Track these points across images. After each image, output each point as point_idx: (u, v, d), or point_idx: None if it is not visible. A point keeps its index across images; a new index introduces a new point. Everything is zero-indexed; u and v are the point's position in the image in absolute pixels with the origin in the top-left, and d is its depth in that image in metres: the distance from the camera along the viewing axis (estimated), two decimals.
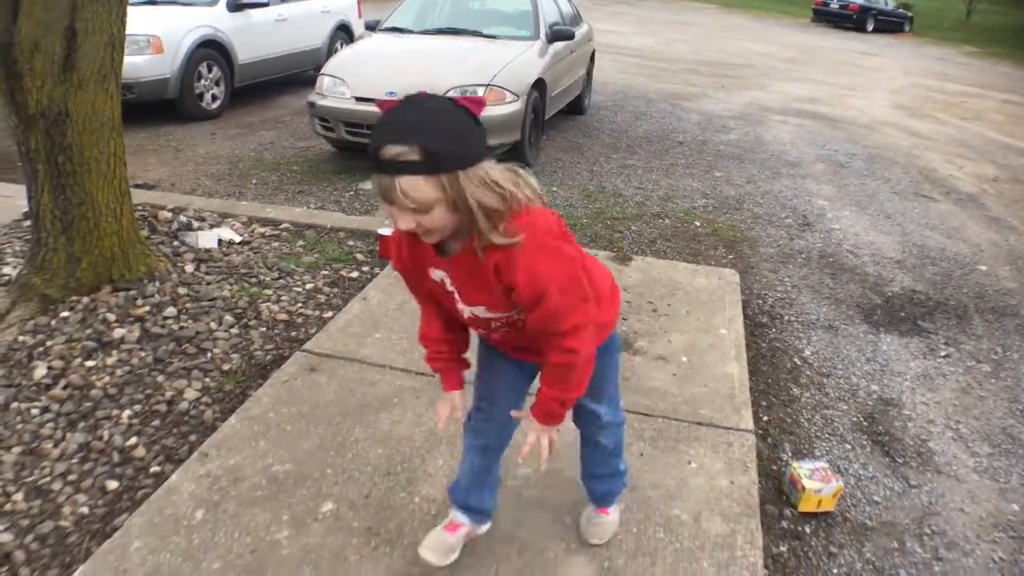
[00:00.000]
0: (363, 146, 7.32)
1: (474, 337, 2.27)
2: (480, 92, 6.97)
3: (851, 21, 31.04)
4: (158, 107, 8.95)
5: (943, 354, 4.66)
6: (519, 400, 2.36)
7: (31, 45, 3.68)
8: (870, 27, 30.87)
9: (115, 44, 3.94)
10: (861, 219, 7.04)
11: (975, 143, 11.07)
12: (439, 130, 1.60)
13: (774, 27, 29.27)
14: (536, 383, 2.13)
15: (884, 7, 31.87)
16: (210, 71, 9.46)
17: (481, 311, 1.96)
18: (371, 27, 8.98)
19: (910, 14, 32.75)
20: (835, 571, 2.93)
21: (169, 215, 5.25)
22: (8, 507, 2.90)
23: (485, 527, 2.68)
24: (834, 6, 31.80)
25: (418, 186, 1.60)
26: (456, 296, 1.97)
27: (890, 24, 31.63)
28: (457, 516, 2.59)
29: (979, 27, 34.09)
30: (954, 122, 12.57)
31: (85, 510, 2.92)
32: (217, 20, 9.59)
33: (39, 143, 3.89)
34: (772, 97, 13.35)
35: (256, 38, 10.23)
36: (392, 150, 1.57)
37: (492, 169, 1.68)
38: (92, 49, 3.83)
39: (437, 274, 1.95)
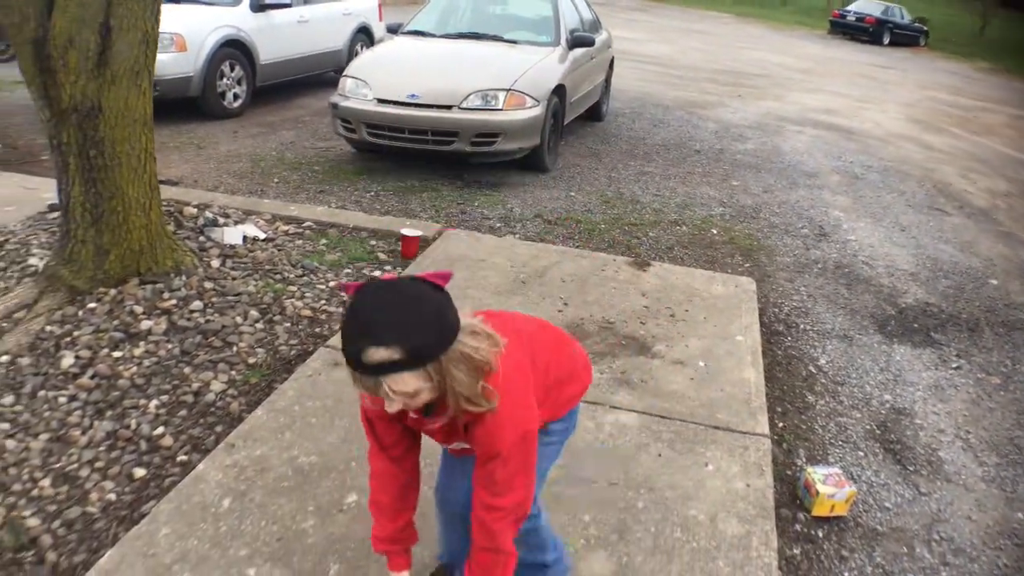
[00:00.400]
0: (384, 147, 7.42)
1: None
2: (501, 96, 7.05)
3: (867, 34, 31.02)
4: (180, 105, 9.05)
5: (954, 366, 4.71)
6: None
7: (65, 40, 3.76)
8: (886, 40, 30.84)
9: (148, 41, 4.02)
10: (876, 231, 7.09)
11: (988, 158, 11.11)
12: (416, 324, 1.56)
13: (790, 38, 29.29)
14: None
15: (900, 21, 31.83)
16: (232, 70, 9.54)
17: (456, 446, 2.01)
18: (393, 30, 9.06)
19: (926, 28, 32.72)
20: (846, 574, 2.99)
21: (194, 211, 5.33)
22: (35, 492, 2.97)
23: None
24: (851, 19, 31.80)
25: (404, 380, 1.58)
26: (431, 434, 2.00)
27: (906, 38, 31.60)
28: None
29: (993, 43, 34.04)
30: (968, 136, 12.61)
31: (112, 496, 2.99)
32: (240, 20, 9.68)
33: (71, 137, 3.97)
34: (788, 107, 13.40)
35: (278, 38, 10.31)
36: (374, 355, 1.53)
37: (466, 337, 1.63)
38: (126, 46, 3.91)
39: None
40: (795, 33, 31.95)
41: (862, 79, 18.98)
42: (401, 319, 1.55)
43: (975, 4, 40.09)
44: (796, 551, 3.06)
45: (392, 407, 1.65)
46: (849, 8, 33.18)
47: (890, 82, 19.09)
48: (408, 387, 1.59)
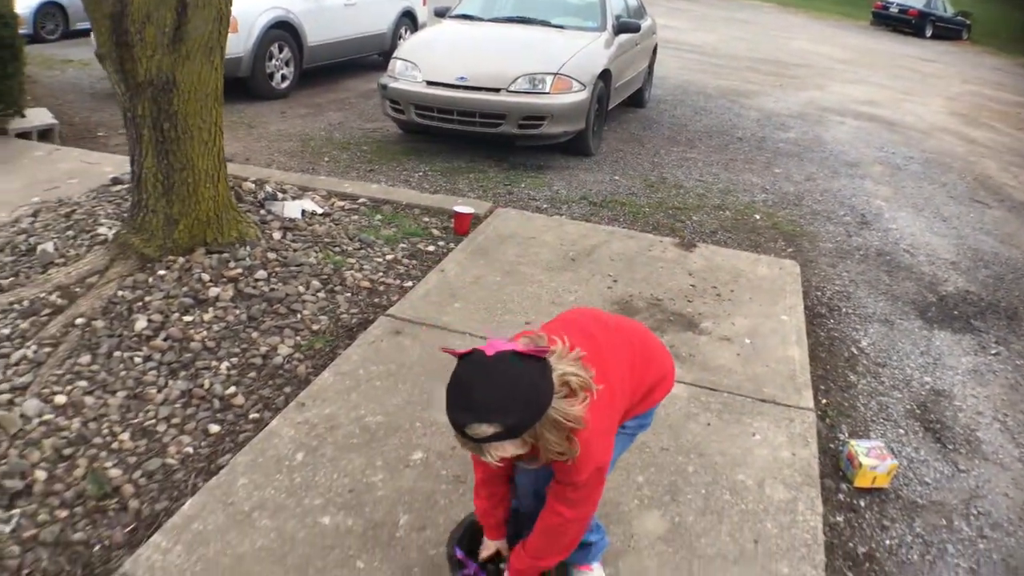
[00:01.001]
0: (433, 129, 7.56)
1: None
2: (548, 80, 7.17)
3: (910, 26, 30.68)
4: (230, 85, 9.21)
5: (993, 352, 4.80)
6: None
7: (143, 16, 3.93)
8: (928, 33, 30.49)
9: (222, 19, 4.20)
10: (918, 220, 7.14)
11: None
12: (516, 403, 1.73)
13: (833, 28, 29.05)
14: None
15: (943, 14, 31.44)
16: (281, 51, 9.73)
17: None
18: (441, 14, 9.20)
19: (968, 22, 32.29)
20: (887, 542, 3.11)
21: (252, 186, 5.52)
22: (116, 446, 3.15)
23: None
24: (893, 10, 31.44)
25: (504, 448, 1.77)
26: None
27: (948, 31, 31.22)
28: None
29: None
30: (1010, 131, 12.53)
31: (190, 450, 3.18)
32: (289, 2, 9.84)
33: (145, 110, 4.15)
34: (830, 97, 13.39)
35: (325, 21, 10.48)
36: (478, 430, 1.72)
37: (559, 403, 1.77)
38: (201, 22, 4.08)
39: None
40: (837, 23, 31.67)
41: (904, 71, 18.85)
42: (501, 400, 1.73)
43: None
44: (839, 519, 3.18)
45: (492, 462, 1.84)
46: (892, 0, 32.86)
47: (932, 75, 18.94)
48: (507, 453, 1.79)
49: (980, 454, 3.76)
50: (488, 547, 2.42)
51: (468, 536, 2.47)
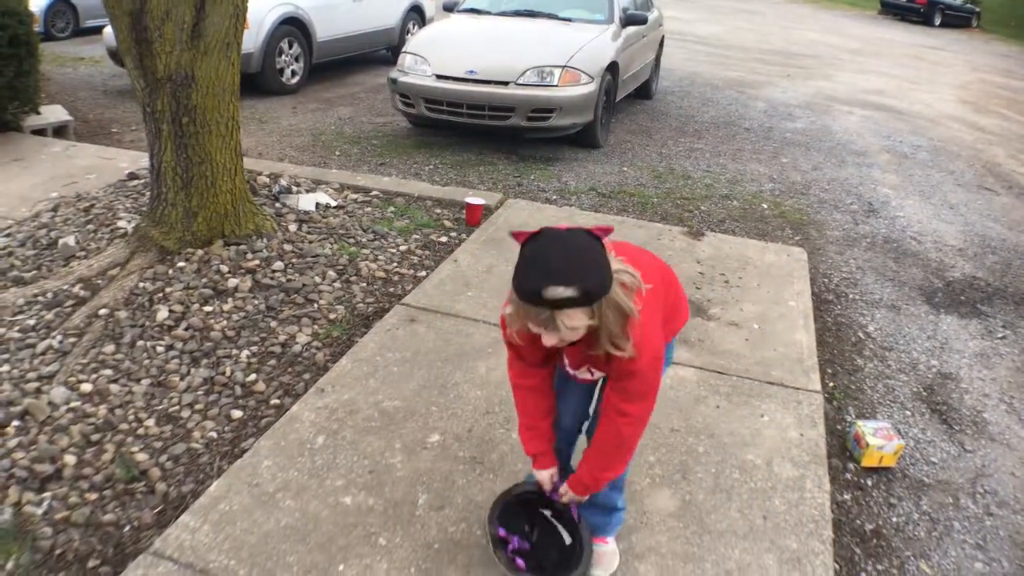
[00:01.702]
0: (443, 122, 7.64)
1: None
2: (557, 73, 7.24)
3: (918, 15, 30.61)
4: (241, 80, 9.28)
5: (1000, 335, 4.86)
6: (585, 409, 2.62)
7: (162, 13, 4.02)
8: (937, 21, 30.41)
9: (239, 15, 4.28)
10: (925, 208, 7.20)
11: None
12: (591, 270, 1.84)
13: (840, 18, 29.01)
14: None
15: (952, 1, 31.36)
16: (291, 47, 9.83)
17: (583, 373, 2.30)
18: (449, 8, 9.28)
19: (978, 9, 32.16)
20: (894, 520, 3.18)
21: (267, 180, 5.61)
22: (141, 431, 3.25)
23: None
24: None
25: (575, 316, 1.85)
26: (564, 358, 2.31)
27: (957, 19, 31.12)
28: None
29: None
30: (1019, 119, 12.53)
31: (213, 435, 3.27)
32: None
33: (165, 104, 4.24)
34: (838, 87, 13.41)
35: (334, 17, 10.58)
36: (555, 292, 1.79)
37: (618, 287, 1.89)
38: (219, 19, 4.17)
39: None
40: (845, 13, 31.60)
41: (912, 60, 18.85)
42: (577, 264, 1.83)
43: None
44: (847, 496, 3.26)
45: (550, 340, 1.94)
46: None
47: (941, 63, 18.92)
48: (577, 322, 1.86)
49: (986, 435, 3.83)
50: (543, 479, 2.48)
51: (505, 514, 2.54)
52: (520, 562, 2.45)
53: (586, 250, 1.87)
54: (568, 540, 2.52)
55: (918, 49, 21.65)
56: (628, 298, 1.90)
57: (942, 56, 20.61)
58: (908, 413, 3.92)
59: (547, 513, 2.58)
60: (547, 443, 2.46)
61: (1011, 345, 4.75)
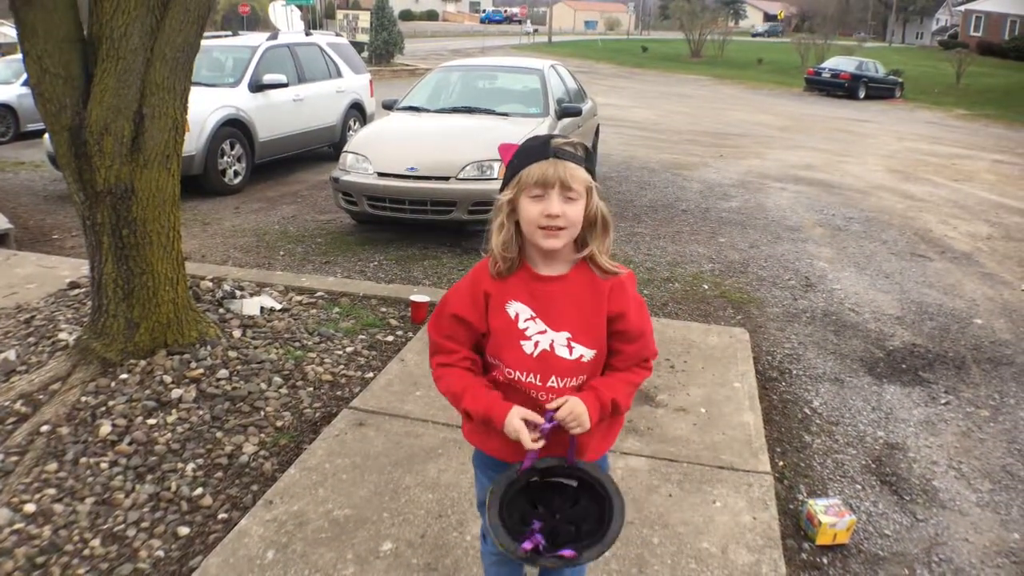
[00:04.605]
0: (386, 219, 7.70)
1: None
2: (496, 166, 7.38)
3: (843, 89, 31.79)
4: (183, 182, 9.27)
5: (943, 401, 4.95)
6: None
7: (101, 128, 4.05)
8: (862, 94, 31.60)
9: (177, 127, 4.33)
10: (861, 279, 7.38)
11: (968, 203, 11.46)
12: (587, 149, 2.09)
13: (768, 97, 30.04)
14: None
15: (875, 74, 32.64)
16: (232, 148, 9.91)
17: (562, 339, 2.06)
18: (388, 106, 9.45)
19: (900, 80, 33.51)
20: None
21: (210, 284, 5.59)
22: (87, 552, 3.15)
23: None
24: (826, 75, 32.63)
25: (578, 173, 1.98)
26: (529, 330, 2.06)
27: (881, 91, 32.37)
28: None
29: (969, 90, 34.79)
30: (947, 184, 12.98)
31: (161, 554, 3.18)
32: (239, 100, 10.09)
33: (105, 217, 4.23)
34: (769, 165, 13.81)
35: (275, 117, 10.72)
36: (562, 141, 2.00)
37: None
38: (158, 132, 4.21)
39: (514, 308, 2.08)
40: (772, 92, 32.74)
41: (840, 133, 19.51)
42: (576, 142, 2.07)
43: (952, 53, 41.03)
44: None
45: (556, 205, 1.97)
46: (824, 65, 34.05)
47: (868, 135, 19.61)
48: (579, 179, 1.99)
49: (937, 502, 3.87)
50: (517, 426, 1.99)
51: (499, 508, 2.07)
52: (567, 552, 1.99)
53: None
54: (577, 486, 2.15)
55: (845, 122, 22.44)
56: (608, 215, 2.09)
57: (869, 128, 21.37)
58: (859, 487, 3.96)
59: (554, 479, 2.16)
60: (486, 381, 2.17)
61: (955, 410, 4.84)
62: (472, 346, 2.17)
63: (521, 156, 2.04)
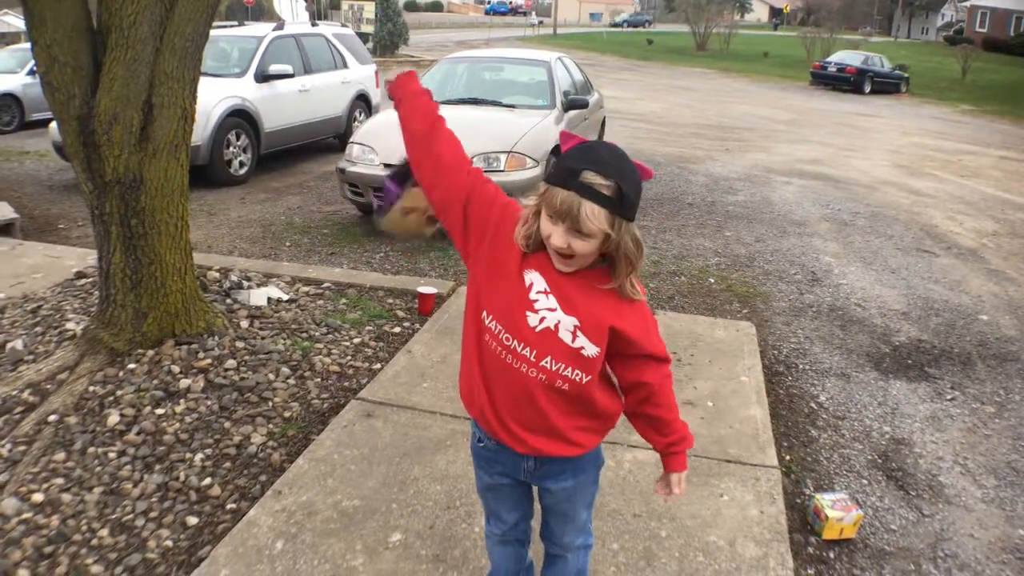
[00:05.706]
0: None
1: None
2: (503, 158, 7.37)
3: (848, 83, 31.72)
4: (189, 173, 9.34)
5: (949, 397, 4.96)
6: (527, 510, 2.49)
7: (110, 117, 4.05)
8: (867, 89, 31.53)
9: (187, 117, 4.32)
10: (867, 274, 7.38)
11: (974, 199, 11.45)
12: (631, 179, 1.87)
13: (773, 91, 29.96)
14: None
15: (881, 69, 32.54)
16: (238, 139, 9.90)
17: (569, 323, 2.01)
18: None
19: (906, 75, 33.40)
20: None
21: (217, 275, 5.60)
22: (95, 542, 3.16)
23: None
24: (831, 70, 32.56)
25: (598, 215, 1.83)
26: (539, 303, 2.03)
27: (887, 85, 32.28)
28: None
29: (975, 86, 34.70)
30: (953, 179, 12.96)
31: (169, 543, 3.19)
32: (245, 90, 10.08)
33: (113, 207, 4.23)
34: (775, 159, 13.79)
35: (281, 107, 10.71)
36: (593, 178, 1.82)
37: (636, 231, 1.93)
38: (167, 122, 4.21)
39: (531, 276, 2.03)
40: (777, 85, 32.65)
41: (846, 128, 19.47)
42: (622, 168, 1.87)
43: (957, 49, 40.89)
44: (810, 572, 3.27)
45: (560, 238, 1.89)
46: (829, 59, 33.99)
47: (873, 129, 19.57)
48: (597, 223, 1.84)
49: (943, 498, 3.88)
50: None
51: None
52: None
53: (630, 165, 1.91)
54: None
55: (851, 117, 22.38)
56: (641, 246, 1.96)
57: (874, 122, 21.32)
58: (865, 482, 3.97)
59: None
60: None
61: (960, 406, 4.85)
62: (462, 205, 2.16)
63: (559, 166, 1.90)
